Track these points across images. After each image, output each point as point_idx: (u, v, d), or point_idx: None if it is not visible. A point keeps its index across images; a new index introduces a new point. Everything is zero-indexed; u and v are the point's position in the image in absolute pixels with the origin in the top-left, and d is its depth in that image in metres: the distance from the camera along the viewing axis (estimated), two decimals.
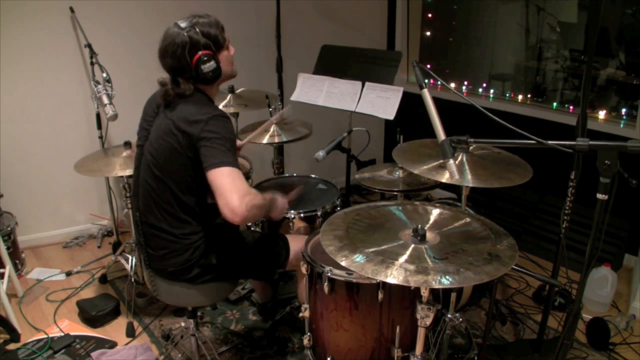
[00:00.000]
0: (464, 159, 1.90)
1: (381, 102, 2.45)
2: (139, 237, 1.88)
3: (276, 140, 2.70)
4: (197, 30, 1.67)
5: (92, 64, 2.86)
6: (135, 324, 2.55)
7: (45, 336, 2.41)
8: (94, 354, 2.28)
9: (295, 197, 2.19)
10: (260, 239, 1.99)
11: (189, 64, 1.66)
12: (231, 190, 1.54)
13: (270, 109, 2.77)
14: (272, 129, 2.73)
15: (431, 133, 1.56)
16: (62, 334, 2.43)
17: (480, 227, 1.59)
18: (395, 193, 2.36)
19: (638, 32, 3.18)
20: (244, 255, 1.90)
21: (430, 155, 1.96)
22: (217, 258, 1.83)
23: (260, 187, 2.48)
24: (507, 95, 3.75)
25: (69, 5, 3.02)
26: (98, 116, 2.99)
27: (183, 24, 1.68)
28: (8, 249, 2.67)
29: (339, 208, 2.26)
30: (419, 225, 1.51)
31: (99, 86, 2.64)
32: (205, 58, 1.67)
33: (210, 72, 1.69)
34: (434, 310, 1.48)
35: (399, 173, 2.46)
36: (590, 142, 1.24)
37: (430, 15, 4.18)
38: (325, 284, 1.67)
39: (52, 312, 2.67)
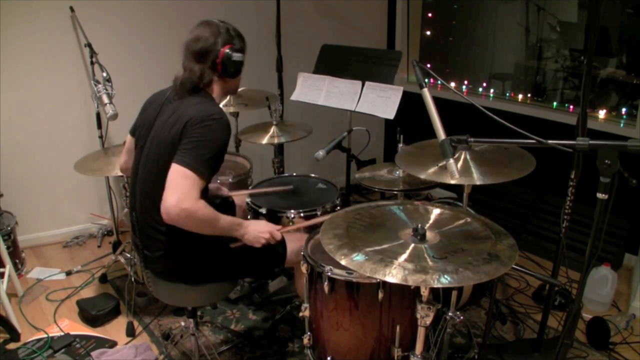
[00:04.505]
0: (468, 156, 1.90)
1: (381, 101, 2.45)
2: (135, 238, 1.87)
3: (276, 141, 2.71)
4: (230, 28, 1.77)
5: (92, 63, 2.85)
6: (135, 323, 2.55)
7: (45, 335, 2.41)
8: (94, 354, 2.28)
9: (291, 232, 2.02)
10: None
11: (218, 50, 1.72)
12: (175, 190, 1.55)
13: (270, 110, 2.77)
14: (272, 130, 2.73)
15: (431, 132, 1.57)
16: (62, 334, 2.43)
17: (480, 227, 1.59)
18: (395, 192, 2.36)
19: (638, 32, 3.18)
20: (241, 255, 1.89)
21: (434, 156, 1.95)
22: (214, 259, 1.83)
23: (260, 186, 2.48)
24: (507, 94, 3.75)
25: (69, 5, 3.02)
26: (98, 116, 2.99)
27: (216, 21, 1.76)
28: (8, 248, 2.67)
29: (338, 208, 2.25)
30: (419, 225, 1.51)
31: (99, 86, 2.64)
32: (236, 48, 1.75)
33: (236, 63, 1.75)
34: (434, 309, 1.48)
35: (399, 172, 2.45)
36: (591, 142, 1.24)
37: (430, 15, 4.18)
38: (325, 283, 1.67)
39: (52, 311, 2.67)
